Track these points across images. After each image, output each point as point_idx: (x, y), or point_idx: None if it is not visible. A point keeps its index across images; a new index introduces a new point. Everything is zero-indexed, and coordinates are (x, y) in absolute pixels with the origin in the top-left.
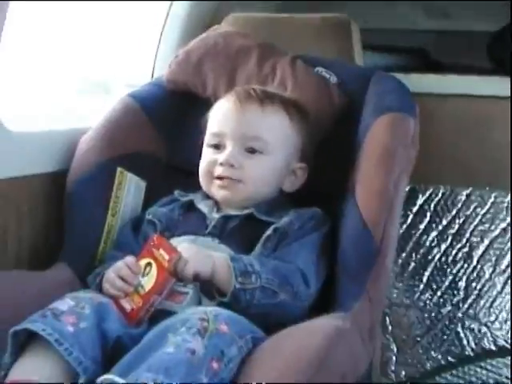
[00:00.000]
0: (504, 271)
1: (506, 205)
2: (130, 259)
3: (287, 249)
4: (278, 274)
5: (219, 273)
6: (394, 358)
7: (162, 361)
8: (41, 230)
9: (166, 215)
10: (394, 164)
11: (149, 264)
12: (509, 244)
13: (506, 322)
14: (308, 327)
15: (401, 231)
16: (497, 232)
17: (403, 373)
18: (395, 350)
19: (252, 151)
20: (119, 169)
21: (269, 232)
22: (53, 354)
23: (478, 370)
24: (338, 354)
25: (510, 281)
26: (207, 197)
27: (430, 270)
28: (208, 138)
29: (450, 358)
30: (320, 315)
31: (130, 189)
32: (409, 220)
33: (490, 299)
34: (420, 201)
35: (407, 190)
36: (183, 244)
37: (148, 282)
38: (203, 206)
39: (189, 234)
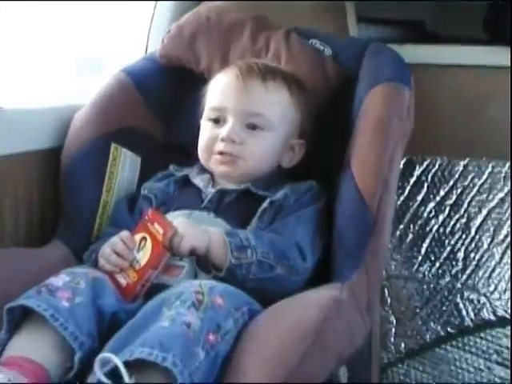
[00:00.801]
0: (502, 241)
1: (503, 175)
2: (125, 234)
3: (283, 222)
4: (273, 248)
5: (215, 248)
6: (393, 330)
7: (157, 335)
8: (37, 207)
9: (162, 190)
10: (388, 136)
11: (144, 238)
12: (507, 214)
13: (505, 292)
14: (304, 298)
15: (398, 203)
16: (494, 202)
17: (402, 345)
18: (394, 322)
19: (253, 127)
20: (113, 144)
21: (265, 205)
22: (48, 329)
23: (478, 340)
24: (335, 325)
25: (508, 250)
26: (203, 171)
27: (428, 241)
28: (207, 112)
29: (449, 329)
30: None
31: (124, 164)
32: (406, 191)
33: (489, 269)
34: (417, 172)
35: (404, 161)
36: (179, 219)
37: (143, 257)
38: (199, 181)
39: (184, 209)
